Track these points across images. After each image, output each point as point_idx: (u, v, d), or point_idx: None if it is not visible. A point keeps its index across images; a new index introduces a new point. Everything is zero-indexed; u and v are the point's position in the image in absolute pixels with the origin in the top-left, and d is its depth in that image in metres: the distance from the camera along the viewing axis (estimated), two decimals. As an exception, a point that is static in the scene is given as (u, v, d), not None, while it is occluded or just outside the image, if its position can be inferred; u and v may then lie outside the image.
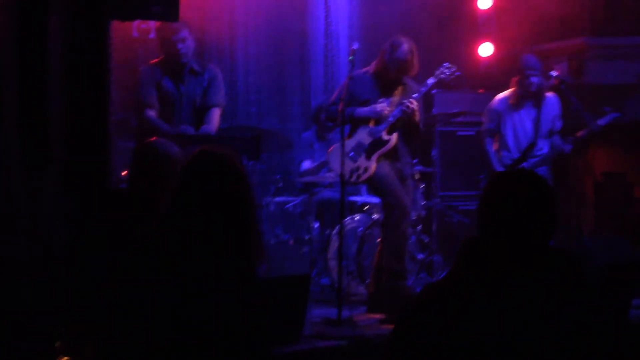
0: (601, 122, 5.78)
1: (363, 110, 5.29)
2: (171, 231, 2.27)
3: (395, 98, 5.32)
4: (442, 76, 5.45)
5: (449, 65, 5.50)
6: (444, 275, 2.17)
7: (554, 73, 6.04)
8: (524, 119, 5.96)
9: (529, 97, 5.94)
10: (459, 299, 1.88)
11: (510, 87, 6.05)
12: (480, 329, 1.82)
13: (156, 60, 5.30)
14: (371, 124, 5.30)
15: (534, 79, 5.86)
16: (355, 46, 5.20)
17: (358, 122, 5.33)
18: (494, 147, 6.06)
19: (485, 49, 8.28)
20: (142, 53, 6.76)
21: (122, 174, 4.89)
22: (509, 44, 8.13)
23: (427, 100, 6.63)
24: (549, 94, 6.01)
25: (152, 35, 6.76)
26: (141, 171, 3.45)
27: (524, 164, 5.79)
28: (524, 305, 1.83)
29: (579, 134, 5.85)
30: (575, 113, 5.84)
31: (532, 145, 5.85)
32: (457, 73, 5.52)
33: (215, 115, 5.19)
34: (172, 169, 3.20)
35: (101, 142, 3.12)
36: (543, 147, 5.93)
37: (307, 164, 6.88)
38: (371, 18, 8.09)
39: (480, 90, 7.61)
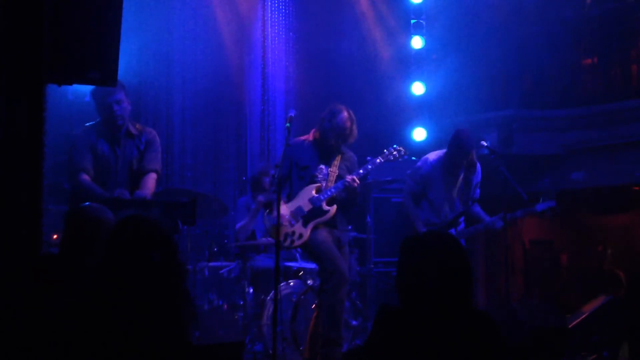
0: (539, 207, 5.91)
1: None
2: (99, 299, 2.25)
3: (334, 168, 5.40)
4: (391, 157, 5.52)
5: (398, 147, 5.58)
6: (364, 341, 2.17)
7: (484, 143, 6.18)
8: (451, 187, 6.06)
9: (462, 168, 6.05)
10: None
11: (447, 157, 6.05)
12: None
13: (92, 123, 5.25)
14: (314, 192, 5.33)
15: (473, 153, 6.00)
16: (292, 113, 5.25)
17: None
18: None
19: (419, 134, 8.54)
20: (76, 116, 6.70)
21: (54, 237, 4.78)
22: (441, 119, 8.44)
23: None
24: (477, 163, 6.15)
25: (87, 98, 6.73)
26: (73, 236, 3.40)
27: (451, 231, 5.87)
28: None
29: (516, 213, 5.93)
30: (511, 189, 5.90)
31: (463, 213, 5.94)
32: (405, 157, 5.62)
33: (151, 180, 5.13)
34: (103, 235, 3.16)
35: (33, 206, 3.08)
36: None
37: (241, 223, 6.84)
38: (307, 85, 8.26)
39: (413, 158, 7.79)
